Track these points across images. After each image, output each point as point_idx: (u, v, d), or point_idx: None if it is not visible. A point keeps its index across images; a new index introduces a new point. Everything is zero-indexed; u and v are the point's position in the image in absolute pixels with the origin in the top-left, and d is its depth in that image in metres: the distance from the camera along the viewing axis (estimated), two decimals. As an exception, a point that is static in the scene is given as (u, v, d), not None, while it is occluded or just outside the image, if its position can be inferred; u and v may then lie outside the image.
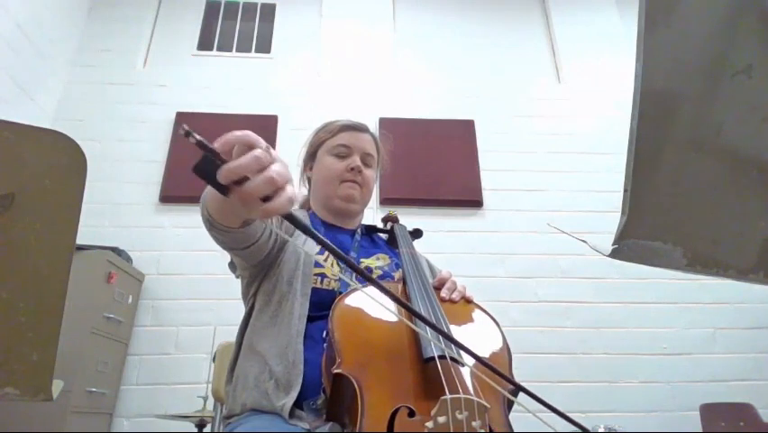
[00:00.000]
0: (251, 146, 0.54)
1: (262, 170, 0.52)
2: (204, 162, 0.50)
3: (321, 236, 0.54)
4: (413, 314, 0.63)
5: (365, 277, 0.56)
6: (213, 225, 0.83)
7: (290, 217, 0.54)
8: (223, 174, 0.50)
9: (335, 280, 0.99)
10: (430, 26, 4.17)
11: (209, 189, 0.78)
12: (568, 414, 0.55)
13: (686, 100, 0.44)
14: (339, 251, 0.55)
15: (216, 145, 0.51)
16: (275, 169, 0.53)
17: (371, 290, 0.77)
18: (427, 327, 0.75)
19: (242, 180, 0.51)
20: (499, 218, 3.39)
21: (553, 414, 0.57)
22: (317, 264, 1.00)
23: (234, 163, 0.50)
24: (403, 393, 0.67)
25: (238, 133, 0.54)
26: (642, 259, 0.43)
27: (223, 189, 0.52)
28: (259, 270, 1.02)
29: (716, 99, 0.45)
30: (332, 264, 1.02)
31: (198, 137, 0.48)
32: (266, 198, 0.52)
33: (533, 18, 4.29)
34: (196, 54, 3.92)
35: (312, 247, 1.04)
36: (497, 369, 0.61)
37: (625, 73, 3.65)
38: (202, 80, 3.72)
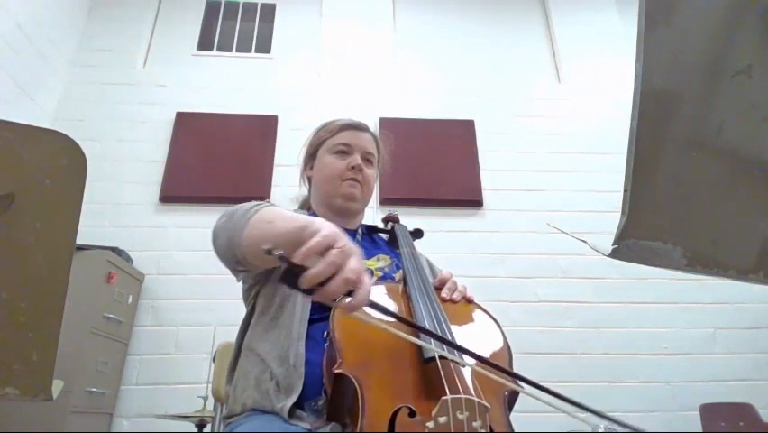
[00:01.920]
0: (329, 247, 0.60)
1: (338, 273, 0.58)
2: (287, 273, 0.57)
3: (399, 315, 0.63)
4: (381, 312, 0.65)
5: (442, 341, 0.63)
6: (241, 264, 0.87)
7: (373, 305, 0.62)
8: (304, 283, 0.57)
9: None
10: (430, 26, 4.17)
11: (253, 235, 0.81)
12: (568, 414, 0.55)
13: (686, 100, 0.44)
14: (410, 320, 0.64)
15: (296, 260, 0.58)
16: (350, 268, 0.59)
17: (374, 293, 0.78)
18: (426, 323, 0.76)
19: (323, 282, 0.58)
20: (499, 218, 3.39)
21: (555, 412, 0.57)
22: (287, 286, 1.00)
23: (312, 273, 0.57)
24: (404, 393, 0.67)
25: (313, 242, 0.60)
26: (642, 259, 0.43)
27: (307, 292, 0.58)
28: (263, 275, 1.02)
29: (716, 99, 0.45)
30: None
31: (280, 252, 0.55)
32: (347, 293, 0.59)
33: (533, 18, 4.29)
34: (196, 54, 3.92)
35: None
36: (498, 364, 0.61)
37: (625, 73, 3.64)
38: (202, 80, 3.72)
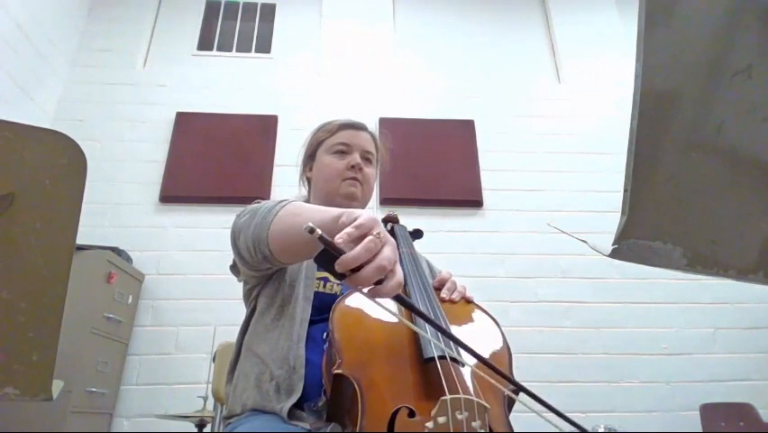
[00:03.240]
0: (365, 235, 0.60)
1: (374, 260, 0.59)
2: (324, 254, 0.58)
3: (421, 311, 0.63)
4: (413, 311, 0.64)
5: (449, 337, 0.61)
6: (267, 260, 0.87)
7: (398, 298, 0.62)
8: (340, 267, 0.57)
9: (338, 284, 0.99)
10: (430, 26, 4.17)
11: (283, 230, 0.81)
12: (568, 414, 0.55)
13: (686, 100, 0.44)
14: (428, 315, 0.63)
15: (338, 241, 0.58)
16: (385, 256, 0.60)
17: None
18: (428, 326, 0.76)
19: (356, 269, 0.58)
20: (499, 218, 3.39)
21: (553, 414, 0.57)
22: (320, 268, 1.00)
23: (349, 257, 0.57)
24: (403, 394, 0.67)
25: (352, 228, 0.61)
26: (642, 259, 0.43)
27: (340, 276, 0.59)
28: (265, 276, 1.02)
29: (716, 99, 0.45)
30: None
31: (320, 232, 0.56)
32: (378, 282, 0.59)
33: (533, 18, 4.29)
34: (196, 54, 3.92)
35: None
36: (497, 367, 0.61)
37: (625, 73, 3.65)
38: (202, 80, 3.72)
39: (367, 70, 3.83)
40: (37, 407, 2.19)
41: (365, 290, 0.60)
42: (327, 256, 0.58)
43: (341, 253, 0.57)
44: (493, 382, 0.67)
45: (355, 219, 0.63)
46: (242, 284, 1.09)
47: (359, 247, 0.58)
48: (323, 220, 0.70)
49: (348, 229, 0.60)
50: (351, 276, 0.58)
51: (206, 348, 2.55)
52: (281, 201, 0.88)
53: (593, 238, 0.46)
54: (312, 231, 0.56)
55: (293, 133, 3.33)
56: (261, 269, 0.94)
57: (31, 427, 2.18)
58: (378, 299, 0.61)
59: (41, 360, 0.51)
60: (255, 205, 0.94)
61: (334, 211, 0.69)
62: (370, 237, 0.59)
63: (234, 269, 1.07)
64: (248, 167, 3.34)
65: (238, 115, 3.53)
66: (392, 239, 0.63)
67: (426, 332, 0.73)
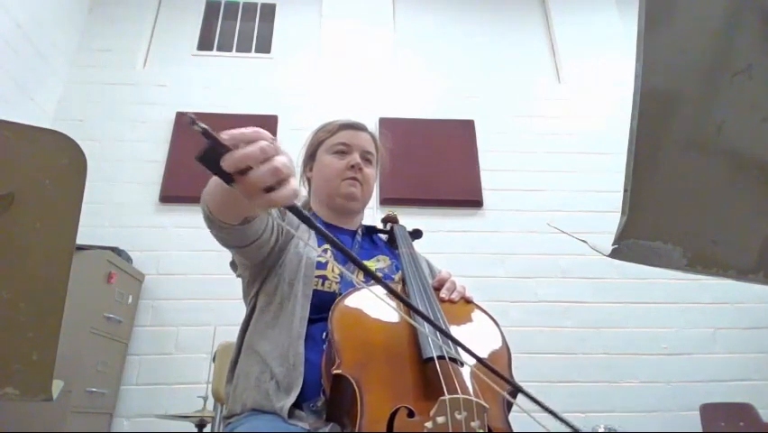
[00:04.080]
0: (256, 140, 0.54)
1: (267, 161, 0.52)
2: (209, 151, 0.50)
3: (322, 228, 0.55)
4: (411, 309, 0.64)
5: (366, 271, 0.56)
6: (213, 222, 0.84)
7: (293, 209, 0.54)
8: (227, 162, 0.51)
9: (337, 283, 0.99)
10: (430, 26, 4.17)
11: (210, 185, 0.78)
12: (568, 414, 0.55)
13: (686, 100, 0.44)
14: (341, 244, 0.56)
15: (224, 137, 0.52)
16: (280, 159, 0.53)
17: (373, 287, 0.78)
18: (425, 324, 0.76)
19: (246, 170, 0.51)
20: (499, 218, 3.39)
21: (551, 416, 0.57)
22: (319, 266, 1.00)
23: (239, 152, 0.51)
24: (402, 394, 0.67)
25: (245, 129, 0.55)
26: (642, 259, 0.43)
27: (227, 178, 0.52)
28: (260, 269, 1.02)
29: (716, 99, 0.45)
30: (332, 268, 1.02)
31: (204, 125, 0.48)
32: (269, 190, 0.53)
33: (533, 18, 4.29)
34: (196, 54, 3.92)
35: (314, 248, 1.04)
36: (495, 369, 0.61)
37: (625, 73, 3.64)
38: (202, 80, 3.72)
39: (367, 70, 3.83)
40: (37, 407, 2.19)
41: (378, 290, 0.58)
42: (213, 154, 0.50)
43: (228, 150, 0.51)
44: (491, 383, 0.67)
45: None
46: (241, 284, 1.10)
47: (251, 145, 0.52)
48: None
49: (236, 131, 0.54)
50: (240, 179, 0.52)
51: (206, 348, 2.55)
52: None
53: (593, 238, 0.46)
54: (193, 122, 0.48)
55: (293, 133, 3.32)
56: (235, 245, 0.93)
57: (31, 427, 2.18)
58: (379, 299, 0.61)
59: (41, 360, 0.51)
60: None
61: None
62: (264, 141, 0.54)
63: (233, 265, 1.08)
64: (248, 167, 3.34)
65: (238, 115, 3.53)
66: (290, 154, 0.58)
67: (426, 331, 0.73)
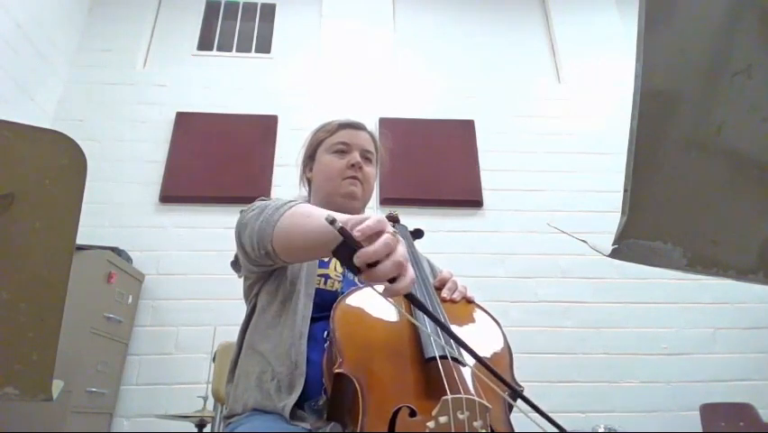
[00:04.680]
0: (381, 231, 0.61)
1: (390, 255, 0.60)
2: (343, 246, 0.59)
3: (433, 314, 0.63)
4: (418, 306, 0.64)
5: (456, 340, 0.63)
6: (270, 258, 0.88)
7: (410, 296, 0.63)
8: (360, 260, 0.58)
9: (339, 281, 0.99)
10: (430, 26, 4.17)
11: (294, 230, 0.81)
12: (568, 414, 0.55)
13: (686, 100, 0.44)
14: (441, 321, 0.65)
15: (356, 234, 0.60)
16: (401, 253, 0.61)
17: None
18: (428, 322, 0.76)
19: (373, 264, 0.59)
20: (499, 218, 3.39)
21: (555, 413, 0.57)
22: (321, 265, 1.00)
23: (370, 250, 0.59)
24: (404, 393, 0.67)
25: (371, 222, 0.62)
26: (642, 259, 0.43)
27: (355, 270, 0.60)
28: (266, 273, 1.02)
29: (716, 99, 0.45)
30: (335, 267, 1.02)
31: (341, 224, 0.58)
32: (392, 280, 0.60)
33: (533, 18, 4.29)
34: (196, 54, 3.92)
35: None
36: (495, 371, 0.61)
37: (625, 73, 3.64)
38: (202, 80, 3.72)
39: (367, 70, 3.83)
40: (37, 407, 2.19)
41: (379, 288, 0.61)
42: (346, 250, 0.59)
43: (359, 246, 0.58)
44: (492, 385, 0.67)
45: (366, 219, 0.64)
46: (242, 283, 1.09)
47: (378, 242, 0.59)
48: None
49: (368, 222, 0.61)
50: (367, 271, 0.59)
51: (206, 348, 2.55)
52: (290, 201, 0.89)
53: (593, 238, 0.46)
54: (333, 222, 0.58)
55: (293, 133, 3.33)
56: (263, 264, 0.95)
57: (31, 427, 2.18)
58: (382, 297, 0.62)
59: (41, 360, 0.51)
60: (263, 202, 0.95)
61: (342, 216, 0.70)
62: (387, 234, 0.61)
63: (235, 265, 1.07)
64: (248, 167, 3.34)
65: (238, 115, 3.53)
66: (402, 240, 0.65)
67: (429, 331, 0.73)
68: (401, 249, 0.62)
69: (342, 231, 0.58)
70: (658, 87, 0.43)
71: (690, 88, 0.44)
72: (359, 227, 0.60)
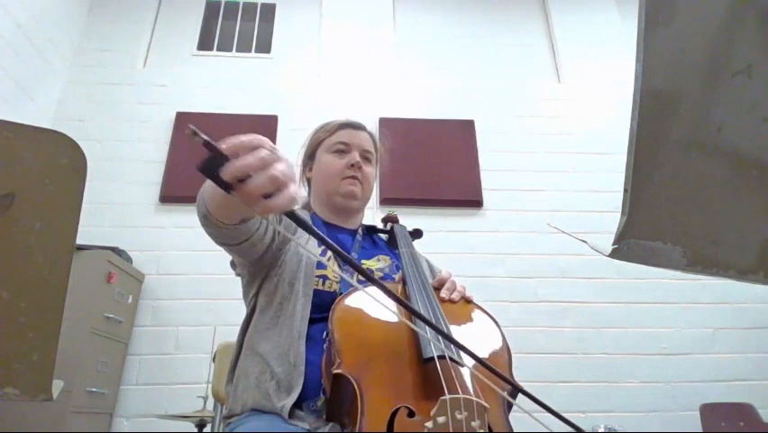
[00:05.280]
0: (256, 148, 0.55)
1: (266, 169, 0.54)
2: (209, 161, 0.52)
3: (321, 234, 0.55)
4: (412, 312, 0.64)
5: (365, 276, 0.56)
6: (209, 221, 0.83)
7: (291, 215, 0.55)
8: (226, 172, 0.52)
9: (337, 282, 0.99)
10: (430, 26, 4.17)
11: (208, 186, 0.78)
12: (568, 414, 0.55)
13: (686, 100, 0.44)
14: (340, 249, 0.56)
15: (223, 147, 0.53)
16: (279, 167, 0.55)
17: (372, 289, 0.78)
18: (427, 327, 0.75)
19: (245, 179, 0.53)
20: (499, 218, 3.39)
21: (551, 415, 0.57)
22: (320, 266, 1.00)
23: (239, 162, 0.53)
24: (402, 393, 0.67)
25: (244, 137, 0.56)
26: (642, 259, 0.43)
27: (226, 187, 0.54)
28: (258, 268, 1.02)
29: (716, 99, 0.45)
30: (334, 266, 1.02)
31: (205, 137, 0.50)
32: (268, 196, 0.54)
33: (533, 18, 4.29)
34: (196, 54, 3.92)
35: (314, 247, 1.04)
36: (495, 369, 0.61)
37: (625, 73, 3.64)
38: (202, 80, 3.72)
39: (367, 70, 3.83)
40: (37, 407, 2.19)
41: (370, 291, 0.58)
42: (214, 162, 0.52)
43: (229, 160, 0.53)
44: (491, 384, 0.67)
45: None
46: (241, 283, 1.09)
47: (250, 155, 0.54)
48: None
49: (241, 137, 0.55)
50: (239, 187, 0.53)
51: (206, 348, 2.55)
52: None
53: (593, 238, 0.46)
54: (195, 134, 0.49)
55: (293, 133, 3.33)
56: (227, 243, 0.92)
57: (31, 427, 2.18)
58: (380, 299, 0.61)
59: (41, 360, 0.51)
60: None
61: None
62: (264, 150, 0.55)
63: (233, 263, 1.07)
64: (248, 167, 3.34)
65: (238, 115, 3.53)
66: (290, 160, 0.59)
67: (426, 332, 0.73)
68: (281, 166, 0.55)
69: (207, 144, 0.51)
70: (658, 87, 0.43)
71: (690, 88, 0.44)
72: (228, 141, 0.54)
